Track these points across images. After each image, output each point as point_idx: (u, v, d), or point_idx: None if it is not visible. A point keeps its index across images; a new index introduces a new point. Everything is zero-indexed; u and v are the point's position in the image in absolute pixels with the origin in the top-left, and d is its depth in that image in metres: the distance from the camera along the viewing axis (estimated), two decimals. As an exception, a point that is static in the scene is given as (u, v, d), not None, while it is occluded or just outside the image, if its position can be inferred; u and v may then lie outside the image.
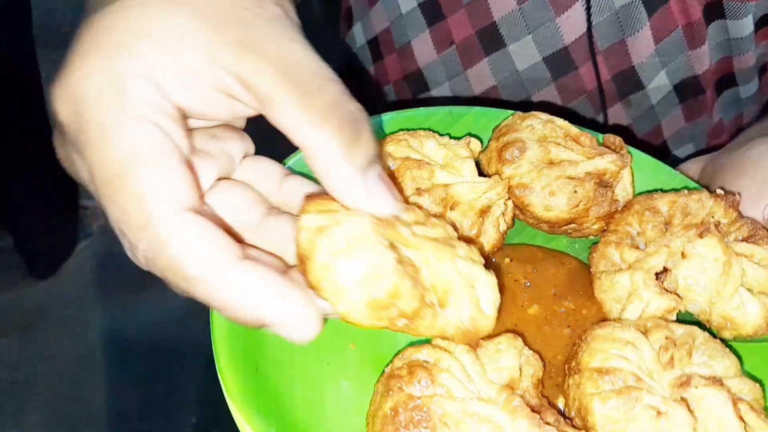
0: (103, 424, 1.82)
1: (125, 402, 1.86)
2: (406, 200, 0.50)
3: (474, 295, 0.39)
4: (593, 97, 0.80)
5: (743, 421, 0.41)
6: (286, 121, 0.35)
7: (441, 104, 0.73)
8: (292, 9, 0.41)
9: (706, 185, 0.63)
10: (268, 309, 0.34)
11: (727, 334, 0.50)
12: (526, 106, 0.81)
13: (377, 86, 0.91)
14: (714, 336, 0.49)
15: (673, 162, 0.85)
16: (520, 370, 0.43)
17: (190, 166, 0.37)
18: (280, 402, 0.45)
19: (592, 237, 0.59)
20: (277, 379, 0.46)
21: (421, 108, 0.66)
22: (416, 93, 0.87)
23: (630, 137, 0.83)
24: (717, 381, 0.42)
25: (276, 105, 0.35)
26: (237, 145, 0.43)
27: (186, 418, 1.77)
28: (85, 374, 1.91)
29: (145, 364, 1.93)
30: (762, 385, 0.45)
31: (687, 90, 0.80)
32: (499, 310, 0.50)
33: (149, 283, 1.94)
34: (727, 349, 0.46)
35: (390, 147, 0.56)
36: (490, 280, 0.40)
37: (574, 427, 0.42)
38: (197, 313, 1.90)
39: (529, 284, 0.55)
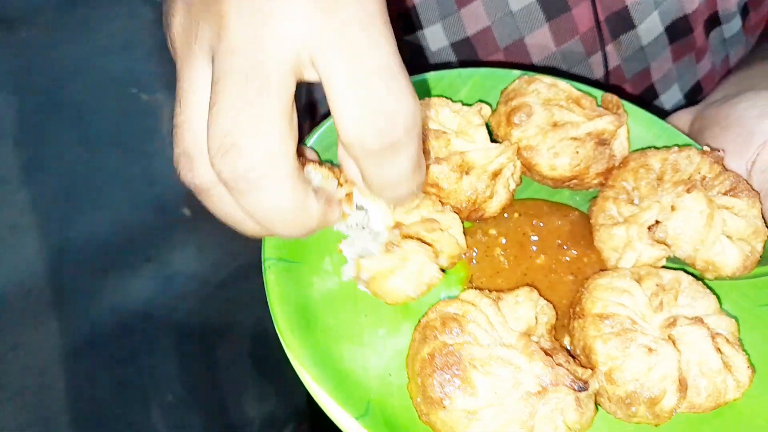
0: (77, 410, 1.80)
1: (98, 387, 1.85)
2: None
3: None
4: (585, 39, 0.83)
5: (720, 352, 0.50)
6: None
7: (442, 66, 0.77)
8: None
9: (694, 137, 0.70)
10: None
11: (709, 276, 0.58)
12: (528, 68, 0.85)
13: None
14: (698, 278, 0.57)
15: (659, 107, 0.91)
16: (536, 318, 0.51)
17: None
18: (330, 350, 0.53)
19: (591, 189, 0.66)
20: (325, 334, 0.53)
21: (432, 72, 0.71)
22: (408, 32, 0.86)
23: (620, 81, 0.88)
24: (698, 320, 0.50)
25: None
26: None
27: (161, 397, 1.79)
28: (54, 362, 1.88)
29: (114, 347, 1.90)
30: (737, 320, 0.53)
31: (677, 30, 0.83)
32: (511, 262, 0.59)
33: (111, 267, 1.98)
34: (708, 290, 0.54)
35: None
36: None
37: (580, 364, 0.50)
38: (163, 294, 1.96)
39: (536, 237, 0.62)
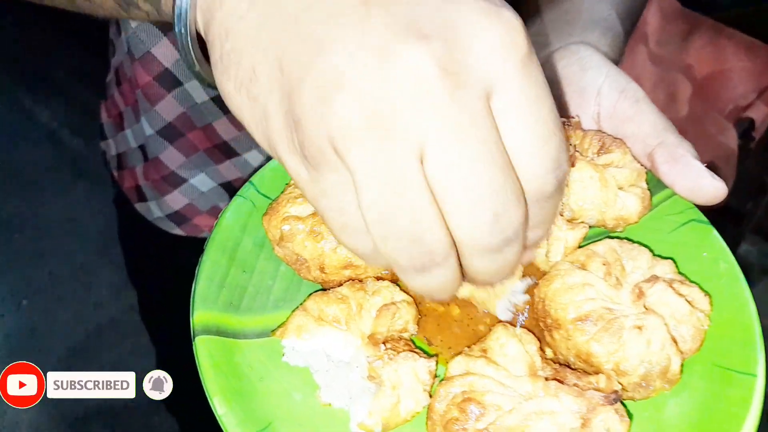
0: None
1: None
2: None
3: None
4: None
5: (681, 295, 0.53)
6: None
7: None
8: None
9: None
10: None
11: (619, 229, 0.61)
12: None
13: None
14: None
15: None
16: (527, 351, 0.50)
17: None
18: None
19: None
20: None
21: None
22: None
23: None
24: (654, 278, 0.52)
25: None
26: None
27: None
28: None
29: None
30: (674, 260, 0.57)
31: None
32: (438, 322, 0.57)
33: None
34: (635, 244, 0.57)
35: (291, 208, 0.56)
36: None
37: (584, 372, 0.50)
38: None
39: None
